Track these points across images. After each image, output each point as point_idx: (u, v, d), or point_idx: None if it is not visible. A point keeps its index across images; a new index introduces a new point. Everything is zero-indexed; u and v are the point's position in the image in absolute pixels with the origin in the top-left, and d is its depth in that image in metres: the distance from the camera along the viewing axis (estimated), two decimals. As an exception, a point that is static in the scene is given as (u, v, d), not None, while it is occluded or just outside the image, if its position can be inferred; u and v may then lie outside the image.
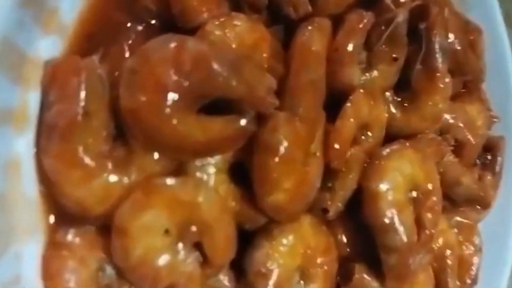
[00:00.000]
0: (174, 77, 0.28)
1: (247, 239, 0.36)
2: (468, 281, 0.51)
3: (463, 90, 0.51)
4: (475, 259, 0.51)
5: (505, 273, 0.55)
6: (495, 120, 0.54)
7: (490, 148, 0.55)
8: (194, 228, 0.31)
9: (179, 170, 0.32)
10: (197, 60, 0.28)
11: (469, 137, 0.49)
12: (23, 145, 0.29)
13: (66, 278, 0.30)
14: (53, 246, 0.30)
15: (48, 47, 0.29)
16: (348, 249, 0.41)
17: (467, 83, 0.50)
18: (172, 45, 0.28)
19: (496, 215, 0.56)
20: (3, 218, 0.27)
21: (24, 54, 0.27)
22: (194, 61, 0.28)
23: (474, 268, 0.51)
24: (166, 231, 0.30)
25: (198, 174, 0.32)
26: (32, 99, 0.29)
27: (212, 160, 0.33)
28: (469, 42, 0.52)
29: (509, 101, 0.56)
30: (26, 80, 0.28)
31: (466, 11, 0.52)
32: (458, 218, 0.50)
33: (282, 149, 0.32)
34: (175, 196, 0.30)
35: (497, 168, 0.55)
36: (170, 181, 0.30)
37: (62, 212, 0.30)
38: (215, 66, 0.29)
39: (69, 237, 0.30)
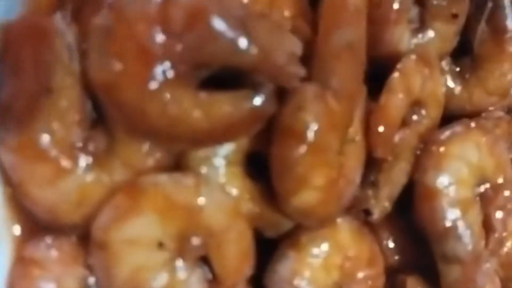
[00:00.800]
0: (162, 38, 0.21)
1: (268, 249, 0.29)
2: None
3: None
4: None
5: None
6: None
7: None
8: (197, 240, 0.24)
9: (178, 164, 0.25)
10: (192, 15, 0.21)
11: (545, 115, 0.40)
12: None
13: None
14: (21, 263, 0.24)
15: (2, 6, 0.22)
16: (397, 259, 0.34)
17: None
18: (158, -5, 0.21)
19: None
20: None
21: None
22: (188, 16, 0.21)
23: (550, 275, 0.42)
24: (160, 245, 0.23)
25: (202, 168, 0.25)
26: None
27: (221, 149, 0.26)
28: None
29: None
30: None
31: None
32: (531, 215, 0.41)
33: (310, 134, 0.24)
34: (171, 199, 0.23)
35: None
36: (162, 178, 0.23)
37: (32, 220, 0.24)
38: (217, 23, 0.21)
39: (41, 250, 0.24)
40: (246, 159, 0.27)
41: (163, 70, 0.21)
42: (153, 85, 0.21)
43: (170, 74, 0.21)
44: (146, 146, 0.23)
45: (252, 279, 0.29)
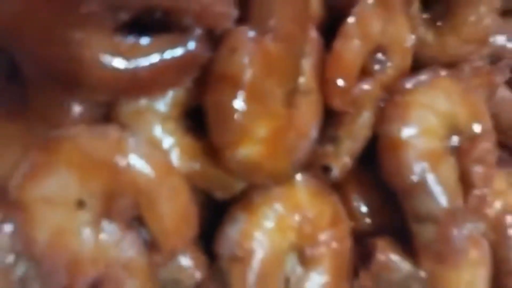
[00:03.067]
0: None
1: (219, 212, 0.27)
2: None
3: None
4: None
5: None
6: None
7: None
8: (125, 199, 0.22)
9: (108, 118, 0.23)
10: None
11: (532, 65, 0.37)
12: None
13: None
14: None
15: None
16: (367, 220, 0.31)
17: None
18: None
19: None
20: None
21: None
22: None
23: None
24: (80, 203, 0.21)
25: (134, 124, 0.23)
26: None
27: (155, 103, 0.24)
28: None
29: None
30: None
31: None
32: (521, 174, 0.39)
33: (246, 78, 0.22)
34: (89, 153, 0.21)
35: None
36: (80, 131, 0.21)
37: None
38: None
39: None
40: (185, 114, 0.25)
41: (67, 7, 0.19)
42: (58, 26, 0.19)
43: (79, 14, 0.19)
44: (63, 97, 0.22)
45: (202, 244, 0.27)
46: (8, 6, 0.19)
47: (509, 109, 0.35)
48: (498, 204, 0.36)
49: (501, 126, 0.35)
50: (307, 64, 0.27)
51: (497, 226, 0.35)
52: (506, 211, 0.35)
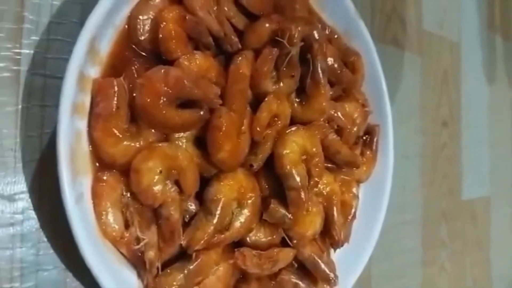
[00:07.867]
0: (164, 88, 0.53)
1: (206, 183, 0.61)
2: (349, 217, 0.78)
3: (343, 94, 0.78)
4: (354, 203, 0.78)
5: (380, 215, 0.83)
6: (368, 113, 0.82)
7: (370, 132, 0.83)
8: (175, 171, 0.55)
9: (166, 139, 0.57)
10: (176, 80, 0.53)
11: (347, 124, 0.77)
12: (83, 125, 0.52)
13: (104, 198, 0.54)
14: (97, 180, 0.51)
15: (94, 72, 0.53)
16: (268, 191, 0.60)
17: (345, 89, 0.77)
18: (163, 71, 0.53)
19: (375, 179, 0.84)
20: (75, 163, 0.51)
21: (84, 76, 0.51)
22: (174, 80, 0.53)
23: (353, 208, 0.78)
24: (160, 172, 0.54)
25: (177, 141, 0.57)
26: (87, 100, 0.52)
27: (184, 134, 0.58)
28: (351, 61, 0.80)
29: (382, 100, 0.84)
30: (85, 90, 0.52)
31: (349, 41, 0.81)
32: (342, 176, 0.77)
33: (223, 128, 0.56)
34: (165, 153, 0.54)
35: (374, 147, 0.84)
36: (162, 144, 0.55)
37: (102, 162, 0.52)
38: (186, 82, 0.54)
39: (106, 175, 0.53)
40: (195, 138, 0.59)
41: (164, 100, 0.53)
42: (160, 107, 0.53)
43: (166, 102, 0.53)
44: (153, 131, 0.55)
45: (197, 196, 0.61)
46: (143, 99, 0.52)
47: (334, 143, 0.73)
48: (328, 188, 0.73)
49: (330, 151, 0.73)
50: (245, 122, 0.62)
51: (327, 198, 0.73)
52: (332, 192, 0.74)
